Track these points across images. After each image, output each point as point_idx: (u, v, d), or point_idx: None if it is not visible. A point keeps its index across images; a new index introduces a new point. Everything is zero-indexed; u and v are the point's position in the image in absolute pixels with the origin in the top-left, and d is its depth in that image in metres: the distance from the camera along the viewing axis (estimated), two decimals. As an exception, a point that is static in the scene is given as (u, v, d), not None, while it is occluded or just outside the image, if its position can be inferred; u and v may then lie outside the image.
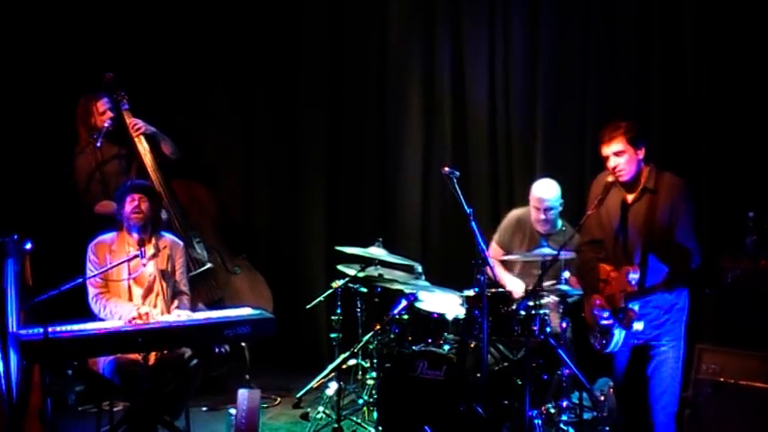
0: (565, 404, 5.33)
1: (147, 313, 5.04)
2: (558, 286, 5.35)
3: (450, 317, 5.57)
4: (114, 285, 5.27)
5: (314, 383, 5.98)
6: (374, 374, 5.87)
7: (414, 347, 5.53)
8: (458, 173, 5.24)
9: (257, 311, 5.28)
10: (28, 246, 5.10)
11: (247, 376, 6.25)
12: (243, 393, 5.35)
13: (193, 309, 5.52)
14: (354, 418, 5.74)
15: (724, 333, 5.30)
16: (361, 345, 5.67)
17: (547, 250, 5.43)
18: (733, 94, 6.11)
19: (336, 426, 5.40)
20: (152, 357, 5.12)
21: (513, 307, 5.36)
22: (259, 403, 5.43)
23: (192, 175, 6.88)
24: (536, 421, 5.17)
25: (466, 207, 5.14)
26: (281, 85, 7.36)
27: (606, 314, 4.75)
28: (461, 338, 5.40)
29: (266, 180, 7.47)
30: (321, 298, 6.22)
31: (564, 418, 5.32)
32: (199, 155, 7.25)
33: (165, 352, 5.14)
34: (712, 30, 6.16)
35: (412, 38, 7.08)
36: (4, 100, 6.69)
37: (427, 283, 5.88)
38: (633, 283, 4.64)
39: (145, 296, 5.28)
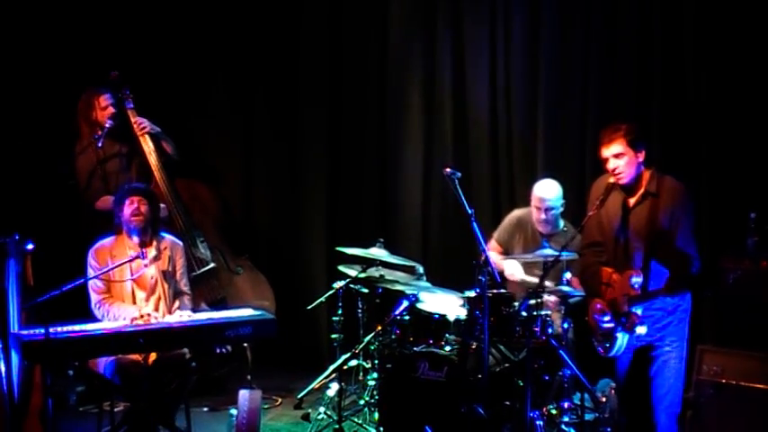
0: (566, 405, 5.33)
1: (148, 314, 5.04)
2: (560, 287, 5.34)
3: (451, 318, 5.55)
4: (117, 289, 5.27)
5: (315, 384, 5.97)
6: (375, 375, 5.85)
7: (415, 348, 5.52)
8: (459, 174, 5.24)
9: (259, 312, 5.28)
10: (29, 246, 5.12)
11: (249, 377, 6.24)
12: (244, 394, 5.35)
13: (196, 309, 5.53)
14: (355, 419, 5.74)
15: (725, 334, 5.30)
16: (362, 345, 5.68)
17: (548, 251, 5.42)
18: (733, 94, 6.10)
19: (337, 426, 5.41)
20: (152, 358, 5.12)
21: (516, 306, 5.36)
22: (260, 404, 5.44)
23: (195, 175, 6.87)
24: (537, 422, 5.15)
25: (467, 208, 5.14)
26: (281, 85, 7.35)
27: (607, 318, 4.74)
28: (463, 339, 5.38)
29: (266, 180, 7.46)
30: (322, 299, 6.20)
31: (565, 419, 5.32)
32: (199, 155, 7.24)
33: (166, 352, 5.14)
34: (712, 30, 6.15)
35: (412, 38, 7.06)
36: (5, 100, 6.69)
37: (428, 284, 5.87)
38: (636, 287, 4.63)
39: (148, 299, 5.29)
